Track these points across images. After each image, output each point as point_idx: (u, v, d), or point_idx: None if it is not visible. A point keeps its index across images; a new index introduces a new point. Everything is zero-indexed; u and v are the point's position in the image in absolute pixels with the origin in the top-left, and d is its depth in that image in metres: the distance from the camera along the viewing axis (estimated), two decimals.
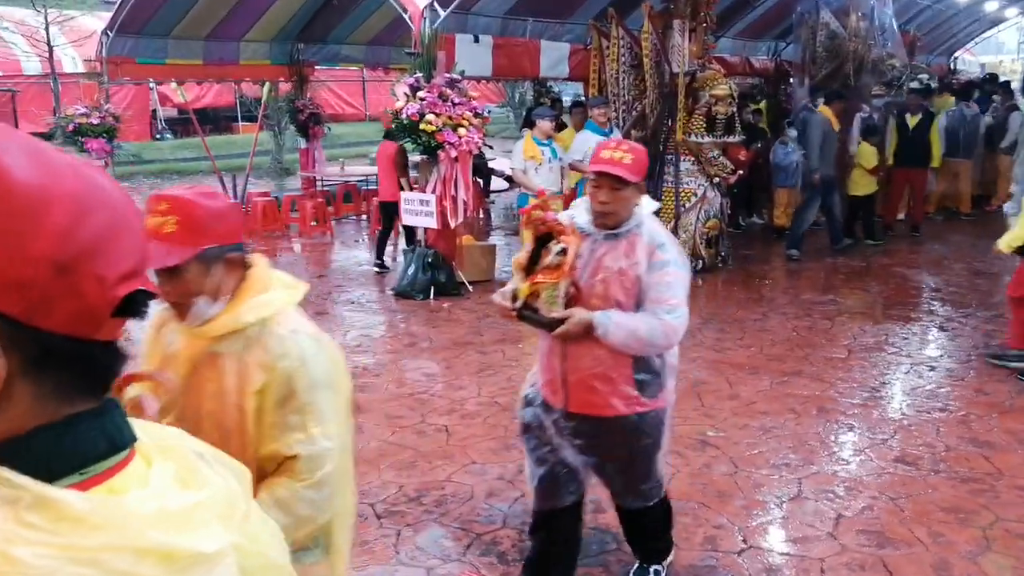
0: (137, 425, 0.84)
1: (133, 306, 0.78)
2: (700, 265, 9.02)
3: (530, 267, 2.85)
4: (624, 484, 3.24)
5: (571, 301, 2.86)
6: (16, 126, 16.70)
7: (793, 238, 10.07)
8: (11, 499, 0.70)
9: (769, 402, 5.56)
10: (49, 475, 0.72)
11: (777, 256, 10.27)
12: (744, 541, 3.87)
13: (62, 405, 0.75)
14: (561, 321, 2.79)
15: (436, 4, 8.07)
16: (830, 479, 4.47)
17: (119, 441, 0.79)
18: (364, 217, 12.99)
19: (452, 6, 8.10)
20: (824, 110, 9.88)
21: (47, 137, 11.69)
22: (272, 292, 1.93)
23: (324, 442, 1.89)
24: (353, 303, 8.29)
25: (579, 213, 3.00)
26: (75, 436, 0.76)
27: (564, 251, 2.77)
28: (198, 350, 1.94)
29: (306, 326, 1.97)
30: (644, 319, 2.83)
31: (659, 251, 2.88)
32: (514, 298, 2.88)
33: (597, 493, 4.03)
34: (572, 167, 8.55)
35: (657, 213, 10.39)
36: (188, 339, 1.96)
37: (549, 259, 2.79)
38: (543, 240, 2.84)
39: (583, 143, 8.25)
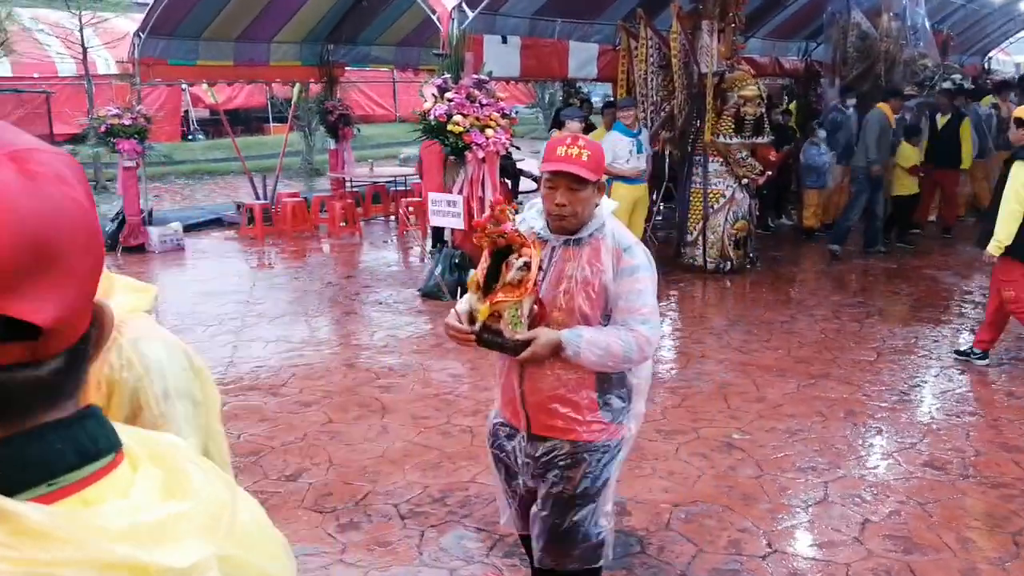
0: (127, 431, 0.80)
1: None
2: (728, 266, 8.98)
3: (488, 285, 2.58)
4: (555, 531, 2.80)
5: (535, 320, 2.58)
6: (50, 127, 16.85)
7: (837, 233, 10.05)
8: None
9: (796, 404, 5.52)
10: (12, 488, 0.68)
11: (806, 258, 10.20)
12: (769, 545, 3.85)
13: (23, 418, 0.71)
14: (527, 343, 2.53)
15: (464, 5, 8.09)
16: (857, 483, 4.44)
17: (94, 450, 0.74)
18: (393, 218, 13.06)
19: (480, 7, 8.12)
20: (883, 107, 9.80)
21: (80, 138, 11.86)
22: (114, 298, 1.69)
23: None
24: (380, 303, 8.33)
25: (532, 217, 2.74)
26: (42, 447, 0.71)
27: (527, 265, 2.49)
28: None
29: (154, 332, 1.73)
30: (617, 333, 2.58)
31: (626, 255, 2.62)
32: (472, 320, 2.62)
33: (621, 493, 4.04)
34: None
35: (686, 214, 10.27)
36: None
37: (511, 275, 2.50)
38: (501, 254, 2.55)
39: (611, 145, 8.24)
